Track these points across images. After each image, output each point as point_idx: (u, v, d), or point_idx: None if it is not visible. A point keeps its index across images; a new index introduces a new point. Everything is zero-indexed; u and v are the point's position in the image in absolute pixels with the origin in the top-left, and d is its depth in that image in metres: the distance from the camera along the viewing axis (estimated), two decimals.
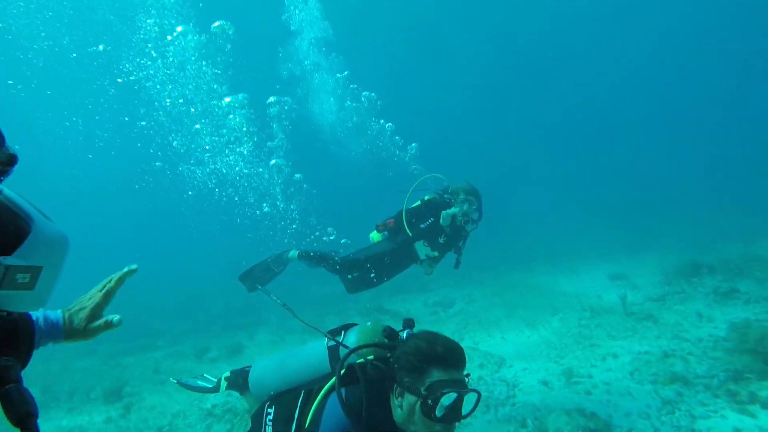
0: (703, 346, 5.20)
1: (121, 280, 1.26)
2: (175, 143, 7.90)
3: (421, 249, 4.29)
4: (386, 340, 1.84)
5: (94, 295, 1.23)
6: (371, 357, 1.80)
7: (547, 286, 9.67)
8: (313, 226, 5.87)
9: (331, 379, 1.73)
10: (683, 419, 3.87)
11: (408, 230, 4.19)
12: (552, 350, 5.93)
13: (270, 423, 1.85)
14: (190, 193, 8.63)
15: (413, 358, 1.55)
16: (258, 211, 6.70)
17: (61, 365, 8.11)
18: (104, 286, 1.25)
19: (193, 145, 7.49)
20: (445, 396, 1.47)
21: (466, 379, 1.60)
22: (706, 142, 30.59)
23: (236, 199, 7.17)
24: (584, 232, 15.82)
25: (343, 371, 1.68)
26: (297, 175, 6.55)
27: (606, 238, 14.66)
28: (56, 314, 1.19)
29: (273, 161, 6.41)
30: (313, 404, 1.69)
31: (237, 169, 6.79)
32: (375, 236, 4.49)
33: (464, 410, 1.53)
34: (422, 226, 4.18)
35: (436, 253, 4.29)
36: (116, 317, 1.21)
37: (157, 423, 5.76)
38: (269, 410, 1.92)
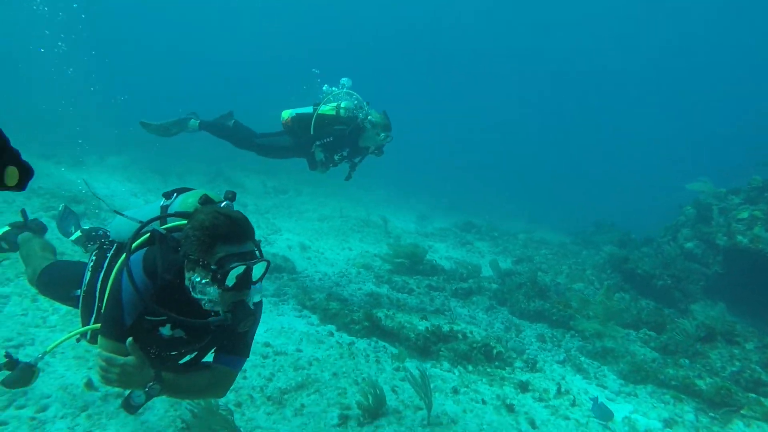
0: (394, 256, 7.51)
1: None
2: None
3: (319, 155, 4.73)
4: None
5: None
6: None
7: (368, 202, 11.90)
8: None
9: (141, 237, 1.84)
10: (345, 282, 6.16)
11: (313, 136, 4.59)
12: (316, 234, 8.13)
13: (90, 268, 2.14)
14: None
15: (199, 233, 1.58)
16: None
17: None
18: None
19: None
20: (233, 270, 1.56)
21: (255, 250, 1.70)
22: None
23: None
24: (450, 184, 18.19)
25: (146, 235, 1.83)
26: None
27: (459, 192, 17.24)
28: None
29: None
30: (119, 259, 1.83)
31: None
32: (285, 115, 4.81)
33: (255, 276, 1.65)
34: (319, 142, 4.59)
35: (330, 165, 4.76)
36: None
37: None
38: (92, 257, 2.16)
